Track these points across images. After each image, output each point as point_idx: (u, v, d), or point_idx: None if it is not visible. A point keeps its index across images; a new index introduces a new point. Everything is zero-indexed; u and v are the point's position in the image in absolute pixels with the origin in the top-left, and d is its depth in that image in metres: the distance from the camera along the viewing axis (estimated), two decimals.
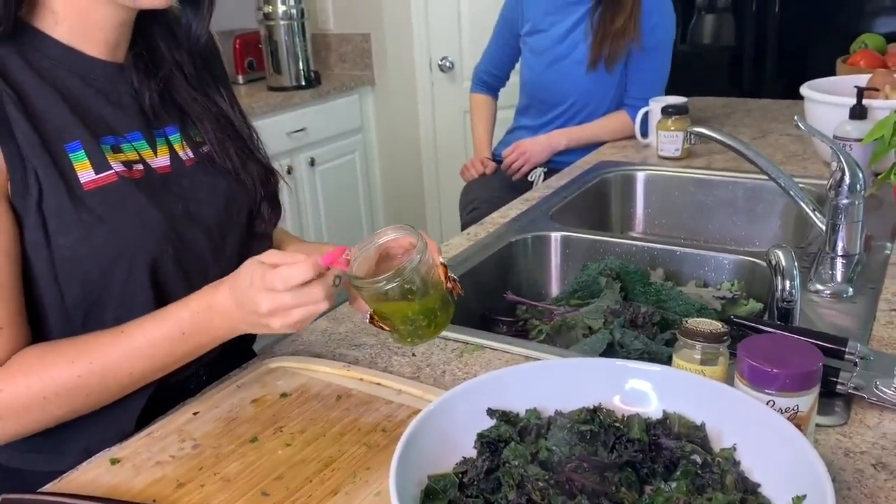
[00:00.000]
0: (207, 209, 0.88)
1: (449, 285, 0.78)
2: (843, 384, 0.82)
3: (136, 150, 0.83)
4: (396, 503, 0.60)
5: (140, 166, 0.83)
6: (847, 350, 0.84)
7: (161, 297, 0.83)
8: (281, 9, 2.96)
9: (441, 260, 0.79)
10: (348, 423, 0.82)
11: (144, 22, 0.87)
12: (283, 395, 0.88)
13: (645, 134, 1.94)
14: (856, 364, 0.84)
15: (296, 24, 2.99)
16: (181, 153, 0.89)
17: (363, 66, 3.25)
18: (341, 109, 3.08)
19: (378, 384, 0.89)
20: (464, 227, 1.79)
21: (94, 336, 0.78)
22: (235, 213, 0.92)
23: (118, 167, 0.80)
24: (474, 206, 2.07)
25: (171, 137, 0.88)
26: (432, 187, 3.36)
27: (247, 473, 0.74)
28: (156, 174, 0.85)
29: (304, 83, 2.97)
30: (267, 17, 2.97)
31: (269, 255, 0.74)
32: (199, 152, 0.91)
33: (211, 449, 0.78)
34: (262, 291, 0.71)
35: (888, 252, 1.20)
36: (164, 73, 0.88)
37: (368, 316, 0.79)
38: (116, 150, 0.82)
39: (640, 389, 0.76)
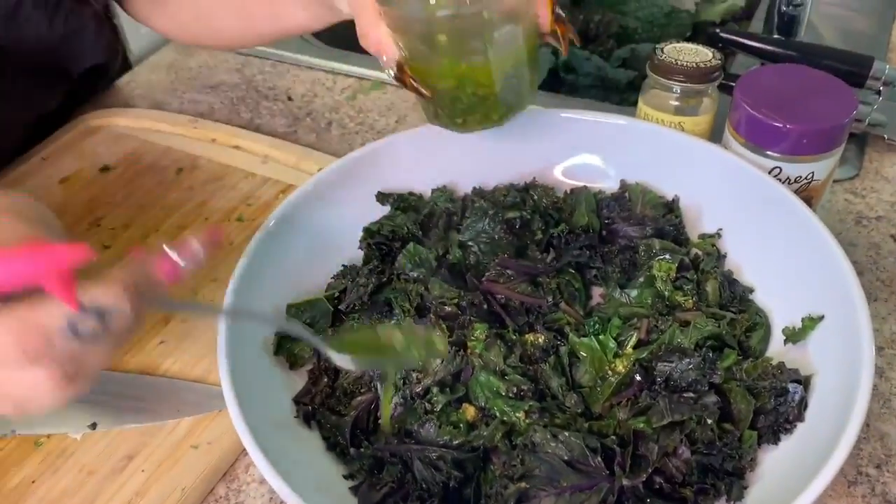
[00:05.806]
0: None
1: (556, 29, 0.46)
2: (858, 121, 0.61)
3: None
4: (224, 363, 0.40)
5: None
6: (871, 74, 0.62)
7: None
8: None
9: None
10: (192, 210, 0.60)
11: None
12: (105, 168, 0.64)
13: None
14: (878, 93, 0.62)
15: None
16: None
17: None
18: None
19: (236, 147, 0.65)
20: None
21: None
22: None
23: None
24: None
25: None
26: None
27: None
28: None
29: None
30: None
31: None
32: None
33: None
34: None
35: None
36: None
37: (394, 66, 0.45)
38: None
39: (587, 163, 0.54)
